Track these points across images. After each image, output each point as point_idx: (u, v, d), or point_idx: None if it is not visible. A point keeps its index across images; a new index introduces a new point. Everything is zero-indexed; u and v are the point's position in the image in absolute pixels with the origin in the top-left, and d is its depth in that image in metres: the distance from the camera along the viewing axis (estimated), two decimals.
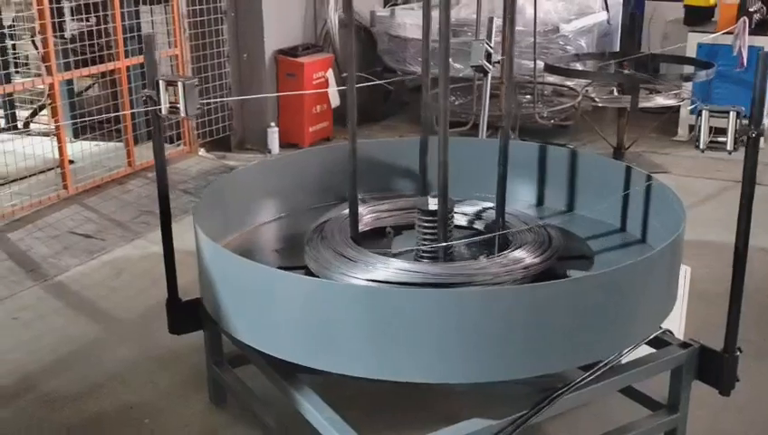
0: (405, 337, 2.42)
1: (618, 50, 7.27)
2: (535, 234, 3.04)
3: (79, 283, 4.40)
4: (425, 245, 2.96)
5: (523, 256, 2.86)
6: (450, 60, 3.01)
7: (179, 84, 2.86)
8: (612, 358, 2.69)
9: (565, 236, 3.22)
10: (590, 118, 6.43)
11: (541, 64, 6.14)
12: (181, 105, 2.89)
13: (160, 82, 2.89)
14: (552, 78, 6.46)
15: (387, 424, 2.69)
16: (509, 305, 2.43)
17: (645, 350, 2.89)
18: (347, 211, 3.17)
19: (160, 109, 2.90)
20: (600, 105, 6.18)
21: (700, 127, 2.68)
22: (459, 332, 2.41)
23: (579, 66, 6.39)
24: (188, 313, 3.18)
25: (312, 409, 2.60)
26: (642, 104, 5.67)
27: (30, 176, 5.64)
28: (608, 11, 7.22)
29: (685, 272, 3.31)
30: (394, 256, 2.96)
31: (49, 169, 5.68)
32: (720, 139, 2.65)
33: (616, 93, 6.43)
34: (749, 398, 3.24)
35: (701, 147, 2.69)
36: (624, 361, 2.80)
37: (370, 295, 2.53)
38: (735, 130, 2.64)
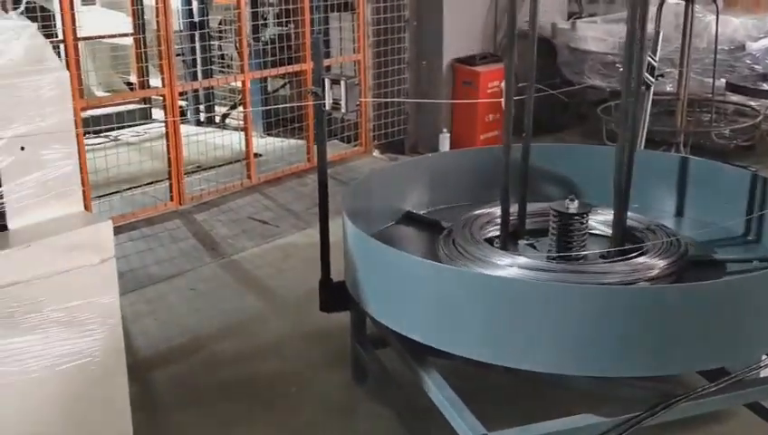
0: (527, 327, 2.58)
1: None
2: (668, 242, 3.10)
3: (251, 262, 4.83)
4: (557, 245, 3.10)
5: (652, 261, 2.95)
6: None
7: (342, 82, 3.19)
8: (741, 370, 2.73)
9: (701, 246, 3.27)
10: None
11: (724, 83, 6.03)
12: (342, 102, 3.22)
13: (326, 80, 3.23)
14: (734, 97, 6.28)
15: (504, 412, 2.83)
16: (632, 304, 2.55)
17: None
18: (489, 211, 3.38)
19: (324, 104, 3.24)
20: None
21: None
22: (581, 326, 2.54)
23: (766, 86, 6.17)
24: (339, 293, 3.44)
25: (437, 390, 2.79)
26: None
27: (220, 166, 6.25)
28: None
29: None
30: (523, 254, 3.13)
31: (237, 161, 6.24)
32: None
33: None
34: None
35: None
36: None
37: (496, 284, 2.72)
38: None
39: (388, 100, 6.18)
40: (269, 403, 3.44)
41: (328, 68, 6.11)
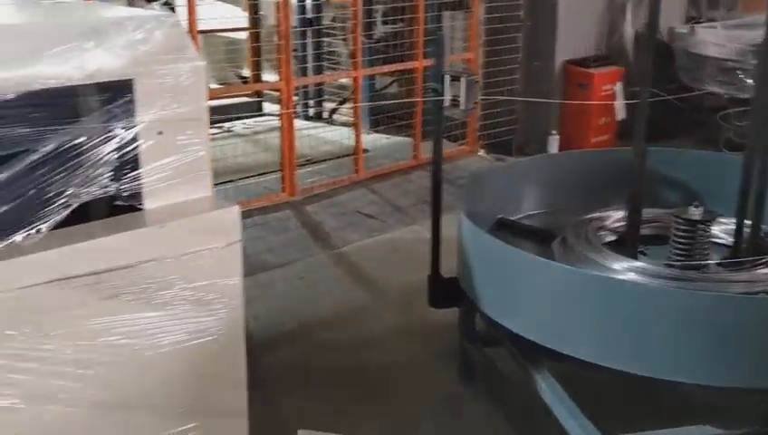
0: (643, 331, 2.58)
1: None
2: None
3: (358, 255, 4.94)
4: (678, 252, 3.06)
5: None
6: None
7: (462, 79, 3.22)
8: None
9: None
10: None
11: None
12: (462, 98, 3.25)
13: (446, 76, 3.27)
14: None
15: (617, 417, 2.82)
16: (752, 315, 2.51)
17: None
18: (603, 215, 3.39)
19: (443, 100, 3.28)
20: None
21: None
22: (698, 334, 2.53)
23: None
24: (448, 289, 3.49)
25: (550, 392, 2.82)
26: None
27: (329, 159, 6.38)
28: None
29: None
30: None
31: (345, 156, 6.36)
32: None
33: None
34: None
35: None
36: None
37: (608, 285, 2.74)
38: None
39: (502, 98, 6.17)
40: (373, 394, 3.52)
41: None
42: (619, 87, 6.68)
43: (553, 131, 6.61)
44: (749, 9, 7.77)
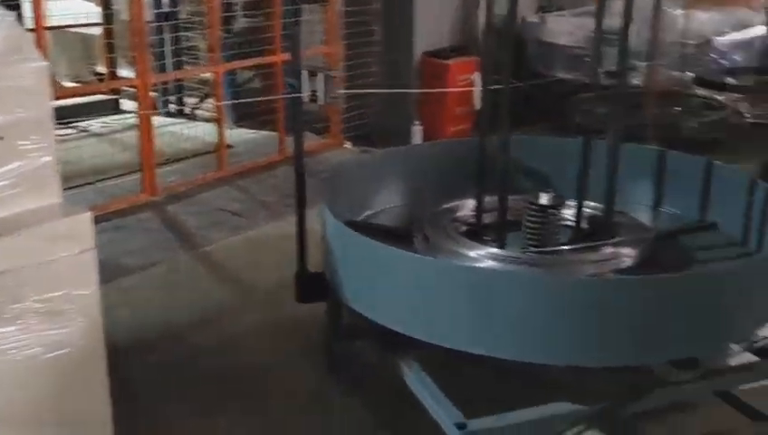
0: (498, 315, 2.68)
1: None
2: (635, 232, 3.24)
3: (224, 254, 4.88)
4: (532, 237, 3.20)
5: (623, 251, 3.08)
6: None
7: (319, 74, 3.25)
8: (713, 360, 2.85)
9: (666, 236, 3.41)
10: (746, 137, 6.38)
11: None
12: (320, 93, 3.28)
13: (303, 72, 3.29)
14: (701, 91, 6.47)
15: (480, 402, 2.91)
16: (599, 295, 2.66)
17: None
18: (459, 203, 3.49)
19: (301, 96, 3.29)
20: (748, 120, 6.17)
21: None
22: (551, 315, 2.63)
23: (732, 81, 6.37)
24: (315, 284, 3.50)
25: (416, 379, 2.87)
26: None
27: (192, 157, 6.27)
28: None
29: None
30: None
31: (208, 152, 6.26)
32: None
33: None
34: None
35: None
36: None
37: (470, 274, 2.83)
38: None
39: (362, 91, 6.24)
40: (243, 393, 3.50)
41: None
42: (476, 77, 6.85)
43: (416, 122, 6.74)
44: None
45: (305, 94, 3.32)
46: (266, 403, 3.45)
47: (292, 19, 6.26)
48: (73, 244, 2.61)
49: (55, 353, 2.61)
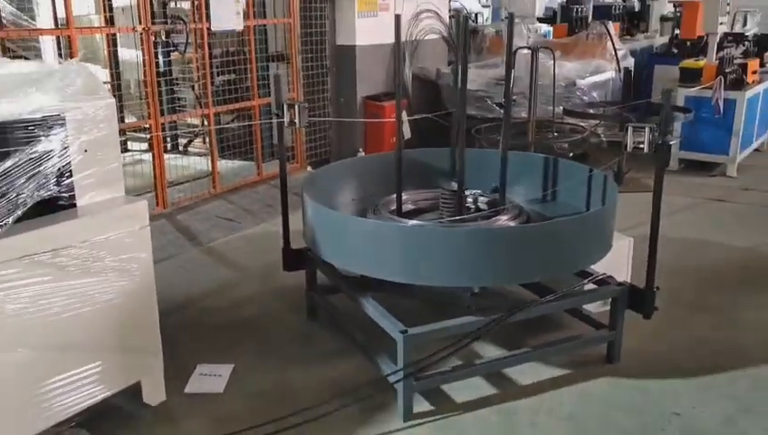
0: (427, 256, 3.21)
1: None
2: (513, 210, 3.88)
3: (223, 248, 5.33)
4: (446, 214, 3.83)
5: (503, 219, 3.73)
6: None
7: (296, 106, 3.82)
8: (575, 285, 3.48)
9: (533, 210, 4.03)
10: (603, 152, 7.11)
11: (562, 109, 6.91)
12: (297, 120, 3.85)
13: (285, 104, 3.86)
14: (569, 120, 7.15)
15: (412, 318, 3.26)
16: (489, 238, 3.28)
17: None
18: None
19: (284, 121, 3.87)
20: (604, 140, 6.87)
21: (628, 136, 3.46)
22: (461, 254, 3.20)
23: (591, 111, 7.08)
24: (296, 257, 4.03)
25: (370, 306, 3.38)
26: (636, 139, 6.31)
27: (191, 180, 6.71)
28: (620, 71, 7.90)
29: (629, 242, 4.07)
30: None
31: (204, 177, 6.72)
32: (640, 145, 3.43)
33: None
34: (671, 329, 3.95)
35: (628, 150, 3.46)
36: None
37: (407, 230, 3.44)
38: (650, 140, 3.41)
39: (324, 119, 6.76)
40: (247, 336, 3.94)
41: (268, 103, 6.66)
42: (404, 114, 7.50)
43: (360, 149, 7.32)
44: (491, 53, 8.89)
45: (286, 120, 3.88)
46: (265, 339, 3.90)
47: (265, 73, 6.90)
48: (135, 222, 3.08)
49: (124, 299, 3.04)
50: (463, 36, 3.65)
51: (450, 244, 3.19)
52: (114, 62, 7.97)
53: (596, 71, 7.58)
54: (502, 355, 3.59)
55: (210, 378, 3.54)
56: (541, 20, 10.55)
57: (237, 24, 6.32)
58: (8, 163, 2.71)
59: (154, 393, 3.32)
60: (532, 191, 4.34)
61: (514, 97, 6.06)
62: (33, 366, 2.79)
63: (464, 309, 3.41)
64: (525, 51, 6.77)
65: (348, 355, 3.69)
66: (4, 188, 2.70)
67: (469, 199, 3.96)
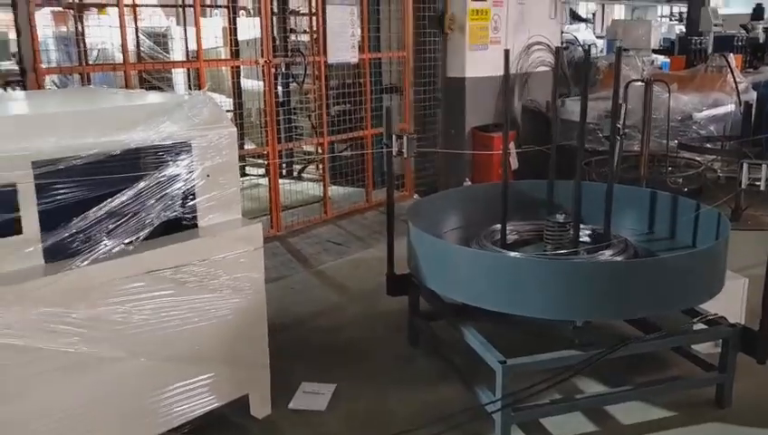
0: (531, 288, 3.20)
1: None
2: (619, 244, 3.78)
3: (331, 271, 5.45)
4: (551, 247, 3.78)
5: (609, 253, 3.64)
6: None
7: (405, 136, 3.91)
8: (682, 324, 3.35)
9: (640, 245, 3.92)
10: (720, 187, 6.80)
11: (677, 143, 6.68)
12: (405, 150, 3.94)
13: (394, 135, 3.96)
14: (684, 154, 6.90)
15: (512, 349, 3.26)
16: (595, 272, 3.23)
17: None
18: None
19: (392, 151, 3.96)
20: (721, 175, 6.57)
21: (743, 173, 3.32)
22: (566, 287, 3.17)
23: (707, 145, 6.80)
24: (400, 282, 4.09)
25: (471, 336, 3.39)
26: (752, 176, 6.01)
27: (303, 205, 6.95)
28: (740, 104, 7.54)
29: (743, 282, 3.87)
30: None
31: (315, 202, 6.93)
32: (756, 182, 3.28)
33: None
34: None
35: (743, 186, 3.32)
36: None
37: (512, 261, 3.43)
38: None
39: (430, 150, 6.81)
40: (350, 358, 4.03)
41: (380, 133, 6.82)
42: (512, 145, 7.47)
43: (467, 179, 7.34)
44: (604, 86, 8.71)
45: (395, 150, 3.98)
46: (367, 362, 3.97)
47: (379, 104, 7.07)
48: (250, 243, 3.22)
49: (236, 316, 3.18)
50: (585, 72, 3.64)
51: (555, 276, 3.16)
52: (237, 92, 8.40)
53: (714, 104, 7.29)
54: (604, 392, 3.50)
55: (313, 396, 3.64)
56: (657, 51, 10.26)
57: (353, 57, 6.53)
58: (141, 185, 2.92)
59: (260, 407, 3.44)
60: (640, 225, 4.22)
61: (627, 130, 5.91)
62: (153, 374, 2.97)
63: (565, 342, 3.36)
64: (638, 84, 6.60)
65: (447, 381, 3.70)
66: (136, 208, 2.91)
67: (574, 232, 3.89)
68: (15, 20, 4.46)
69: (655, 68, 9.33)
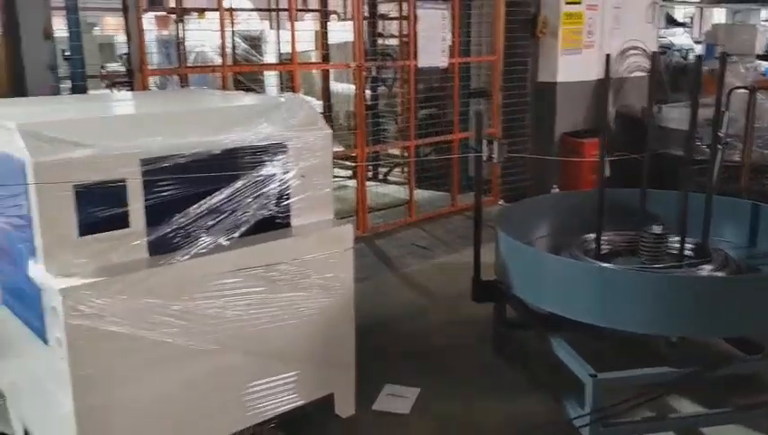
0: (625, 301, 3.12)
1: None
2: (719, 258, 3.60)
3: (416, 274, 5.44)
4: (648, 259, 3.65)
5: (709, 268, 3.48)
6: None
7: (495, 142, 3.87)
8: None
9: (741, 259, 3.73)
10: None
11: None
12: (495, 155, 3.89)
13: (484, 140, 3.92)
14: None
15: (602, 363, 3.20)
16: (694, 287, 3.09)
17: None
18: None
19: (482, 156, 3.92)
20: None
21: None
22: (662, 301, 3.06)
23: None
24: (486, 289, 4.03)
25: (561, 347, 3.32)
26: None
27: (389, 207, 6.98)
28: None
29: None
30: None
31: (401, 205, 6.94)
32: None
33: None
34: None
35: None
36: None
37: (609, 273, 3.33)
38: None
39: (520, 155, 6.68)
40: (435, 364, 4.00)
41: (467, 137, 6.79)
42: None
43: (555, 186, 7.18)
44: (705, 93, 8.33)
45: (485, 155, 3.94)
46: (450, 368, 3.94)
47: (466, 108, 7.03)
48: (340, 244, 3.24)
49: (325, 315, 3.21)
50: (695, 79, 3.50)
51: (652, 290, 3.06)
52: (326, 95, 8.53)
53: None
54: (699, 412, 3.34)
55: (397, 399, 3.64)
56: (762, 57, 9.77)
57: (443, 61, 6.51)
58: (238, 184, 3.00)
59: (345, 406, 3.45)
60: (739, 238, 4.05)
61: (728, 139, 5.66)
62: (243, 369, 3.03)
63: (657, 357, 3.26)
64: (742, 91, 6.30)
65: (531, 392, 3.63)
66: (234, 206, 2.98)
67: (672, 245, 3.76)
68: (126, 24, 4.67)
69: (759, 74, 8.88)
